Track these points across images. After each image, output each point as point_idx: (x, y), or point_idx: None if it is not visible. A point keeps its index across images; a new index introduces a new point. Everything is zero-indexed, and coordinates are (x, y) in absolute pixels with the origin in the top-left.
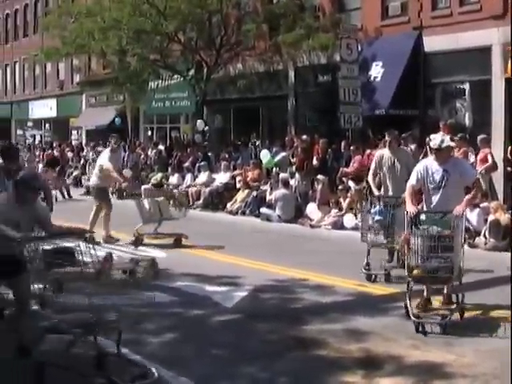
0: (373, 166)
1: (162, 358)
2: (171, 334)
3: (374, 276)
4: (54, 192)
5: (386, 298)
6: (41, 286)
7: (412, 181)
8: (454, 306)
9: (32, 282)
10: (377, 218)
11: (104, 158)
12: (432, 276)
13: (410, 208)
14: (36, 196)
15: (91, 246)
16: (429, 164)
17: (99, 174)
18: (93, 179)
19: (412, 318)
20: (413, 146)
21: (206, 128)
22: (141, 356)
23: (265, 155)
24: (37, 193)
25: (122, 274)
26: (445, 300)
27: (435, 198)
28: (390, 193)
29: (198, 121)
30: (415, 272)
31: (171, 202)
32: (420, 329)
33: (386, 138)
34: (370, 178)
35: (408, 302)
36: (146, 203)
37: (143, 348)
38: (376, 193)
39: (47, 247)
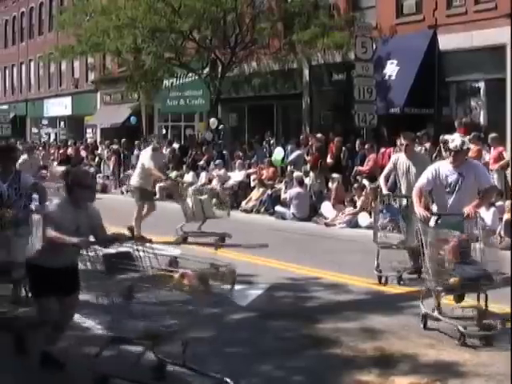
0: (387, 168)
1: (177, 356)
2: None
3: (385, 278)
4: None
5: (400, 297)
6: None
7: (421, 182)
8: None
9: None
10: (389, 217)
11: (145, 157)
12: (472, 284)
13: (420, 210)
14: (91, 195)
15: (151, 249)
16: (442, 166)
17: (141, 173)
18: (134, 179)
19: (460, 329)
20: (427, 145)
21: (221, 126)
22: (156, 354)
23: (279, 153)
24: (92, 192)
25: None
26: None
27: (448, 202)
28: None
29: (211, 119)
30: (453, 281)
31: (214, 200)
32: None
33: (402, 141)
34: (381, 179)
35: (437, 313)
36: (189, 202)
37: (159, 347)
38: (385, 192)
39: (107, 251)
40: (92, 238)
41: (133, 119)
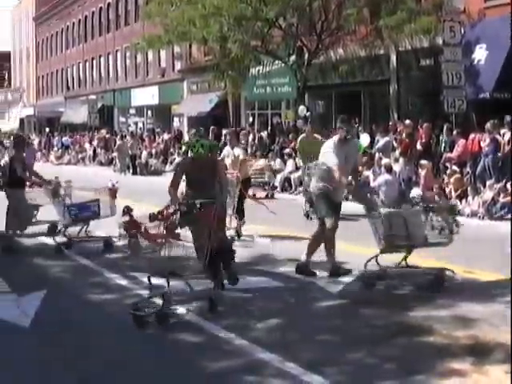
0: None
1: (268, 342)
2: (277, 320)
3: None
4: None
5: (493, 285)
6: None
7: None
8: None
9: None
10: None
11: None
12: None
13: None
14: None
15: None
16: None
17: None
18: None
19: None
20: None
21: (308, 114)
22: (247, 340)
23: (365, 139)
24: None
25: None
26: None
27: None
28: None
29: (300, 106)
30: None
31: None
32: None
33: None
34: None
35: None
36: None
37: (250, 333)
38: None
39: None
40: None
41: (212, 100)
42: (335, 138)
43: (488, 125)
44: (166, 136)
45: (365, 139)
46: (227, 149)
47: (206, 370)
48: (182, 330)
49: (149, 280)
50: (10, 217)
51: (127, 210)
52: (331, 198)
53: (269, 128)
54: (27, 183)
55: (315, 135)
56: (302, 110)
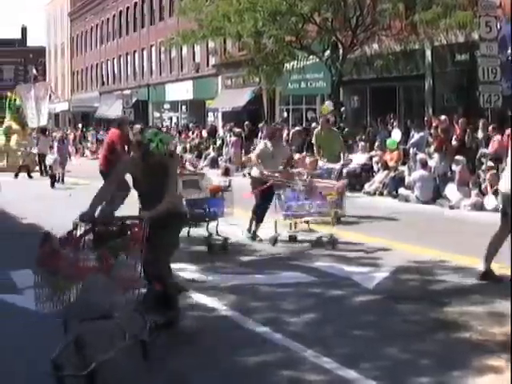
0: None
1: (303, 337)
2: (312, 314)
3: None
4: None
5: None
6: None
7: None
8: None
9: None
10: None
11: None
12: None
13: None
14: None
15: None
16: None
17: None
18: None
19: None
20: None
21: (343, 109)
22: (282, 335)
23: (396, 135)
24: None
25: None
26: None
27: None
28: None
29: (326, 102)
30: None
31: None
32: None
33: None
34: None
35: None
36: None
37: (284, 327)
38: None
39: None
40: None
41: (250, 94)
42: None
43: None
44: (204, 132)
45: (396, 135)
46: (269, 145)
47: (243, 364)
48: (218, 325)
49: (64, 326)
50: None
51: (46, 238)
52: None
53: (303, 123)
54: None
55: (330, 127)
56: (328, 104)
